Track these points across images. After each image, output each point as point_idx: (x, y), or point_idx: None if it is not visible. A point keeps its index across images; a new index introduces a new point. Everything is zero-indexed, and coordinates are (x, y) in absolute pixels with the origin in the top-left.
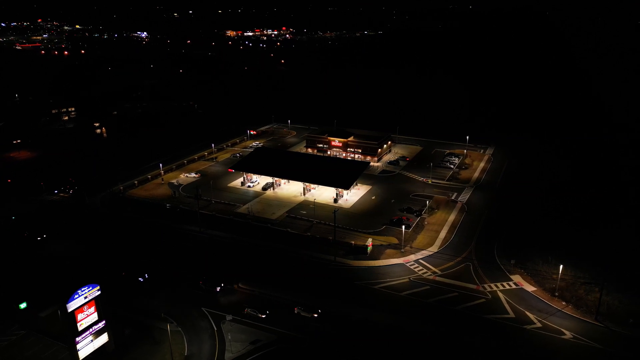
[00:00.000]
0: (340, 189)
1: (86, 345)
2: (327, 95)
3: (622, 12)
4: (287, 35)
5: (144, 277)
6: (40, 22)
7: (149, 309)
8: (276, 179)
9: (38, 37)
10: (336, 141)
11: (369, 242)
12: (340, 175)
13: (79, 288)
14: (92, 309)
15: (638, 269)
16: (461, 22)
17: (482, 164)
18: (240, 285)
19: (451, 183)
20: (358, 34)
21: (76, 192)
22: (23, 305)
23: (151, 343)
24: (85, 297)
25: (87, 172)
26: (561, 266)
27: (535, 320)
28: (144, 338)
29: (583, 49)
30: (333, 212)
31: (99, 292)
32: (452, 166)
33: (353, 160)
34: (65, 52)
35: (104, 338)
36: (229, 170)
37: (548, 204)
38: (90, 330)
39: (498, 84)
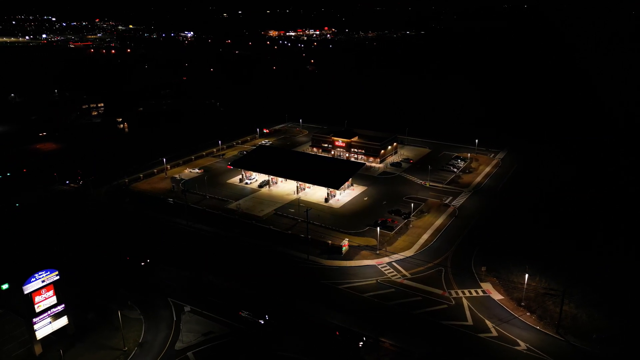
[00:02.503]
0: (331, 189)
1: (44, 327)
2: (345, 95)
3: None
4: (328, 35)
5: (264, 318)
6: (97, 22)
7: (116, 296)
8: (272, 177)
9: (93, 37)
10: (339, 141)
11: (345, 242)
12: (333, 175)
13: (36, 272)
14: (51, 292)
15: (618, 283)
16: (508, 22)
17: (487, 169)
18: (383, 339)
19: (449, 187)
20: (399, 34)
21: (86, 183)
22: (5, 287)
23: (111, 329)
24: (43, 281)
25: (98, 165)
26: (526, 275)
27: (492, 329)
28: (106, 323)
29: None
30: (305, 211)
31: (58, 277)
32: (455, 170)
33: (349, 161)
34: (112, 51)
35: (63, 321)
36: (228, 166)
37: (544, 212)
38: (49, 312)
39: (514, 86)
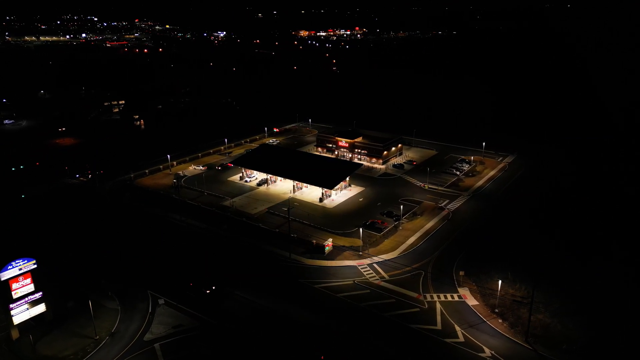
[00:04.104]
0: (326, 189)
1: (21, 313)
2: (360, 95)
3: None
4: (358, 35)
5: None
6: (137, 22)
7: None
8: (270, 175)
9: (130, 36)
10: (343, 141)
11: (328, 242)
12: (328, 175)
13: (13, 260)
14: (28, 280)
15: (602, 295)
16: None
17: (492, 172)
18: None
19: (449, 190)
20: (430, 34)
21: (94, 177)
22: None
23: (88, 317)
24: (20, 269)
25: (108, 159)
26: (499, 282)
27: (460, 335)
28: (84, 312)
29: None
30: (287, 209)
31: (35, 266)
32: (458, 173)
33: (347, 161)
34: (145, 50)
35: (41, 308)
36: (229, 164)
37: (541, 218)
38: (26, 299)
39: (528, 89)
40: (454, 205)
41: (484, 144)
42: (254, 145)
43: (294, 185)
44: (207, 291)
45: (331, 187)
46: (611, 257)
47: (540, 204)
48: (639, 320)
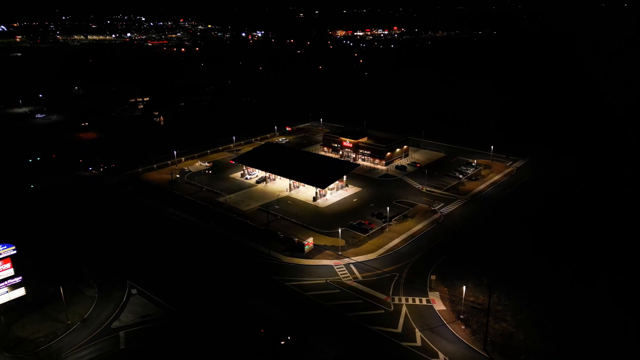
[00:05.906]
0: (320, 189)
1: (1, 295)
2: (378, 95)
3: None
4: (395, 35)
5: None
6: (182, 22)
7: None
8: (269, 173)
9: (173, 36)
10: (347, 142)
11: (309, 240)
12: (323, 174)
13: None
14: (8, 265)
15: (578, 308)
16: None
17: (497, 177)
18: None
19: (447, 193)
20: (471, 33)
21: (105, 170)
22: None
23: (67, 303)
24: (0, 254)
25: (120, 154)
26: (464, 287)
27: (418, 339)
28: (63, 298)
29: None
30: (266, 207)
31: (15, 252)
32: (460, 176)
33: (344, 161)
34: (183, 49)
35: (20, 291)
36: (230, 161)
37: (536, 226)
38: (6, 282)
39: (552, 94)
40: (448, 209)
41: (492, 147)
42: (262, 143)
43: (290, 184)
44: (282, 342)
45: (323, 187)
46: (599, 272)
47: (538, 211)
48: (608, 337)
